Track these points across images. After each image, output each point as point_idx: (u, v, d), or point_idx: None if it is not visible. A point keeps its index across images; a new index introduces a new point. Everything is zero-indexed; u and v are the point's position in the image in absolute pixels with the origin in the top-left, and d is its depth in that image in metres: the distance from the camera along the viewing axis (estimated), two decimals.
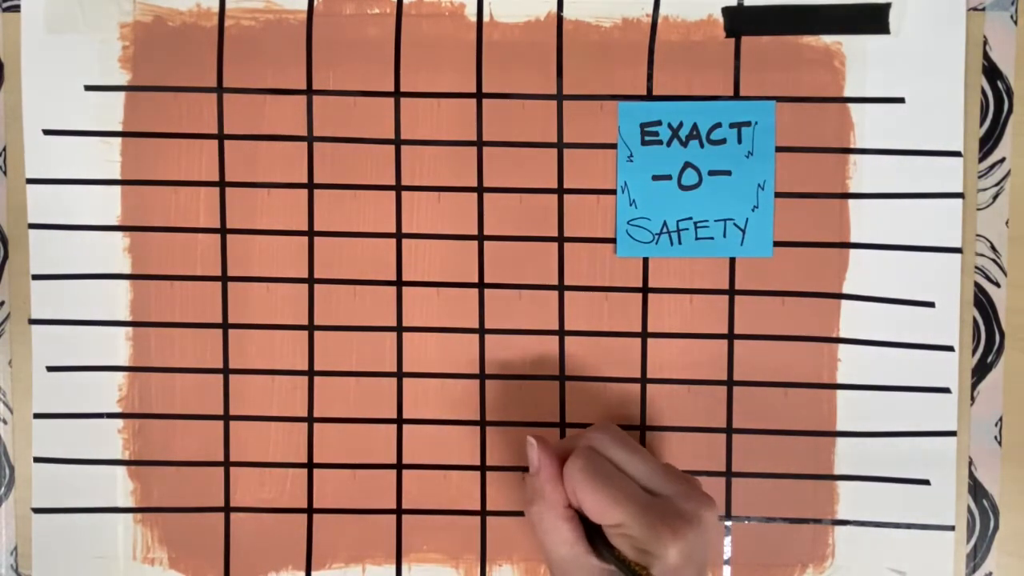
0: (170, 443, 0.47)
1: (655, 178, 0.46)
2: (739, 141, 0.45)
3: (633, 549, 0.36)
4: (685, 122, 0.45)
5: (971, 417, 0.46)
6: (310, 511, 0.47)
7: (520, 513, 0.47)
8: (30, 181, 0.46)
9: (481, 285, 0.47)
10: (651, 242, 0.46)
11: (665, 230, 0.46)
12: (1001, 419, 0.46)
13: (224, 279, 0.47)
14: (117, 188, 0.46)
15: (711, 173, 0.45)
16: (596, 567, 0.38)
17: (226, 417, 0.47)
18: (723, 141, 0.45)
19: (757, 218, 0.45)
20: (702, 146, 0.45)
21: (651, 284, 0.46)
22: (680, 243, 0.46)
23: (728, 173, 0.45)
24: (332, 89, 0.46)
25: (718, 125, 0.45)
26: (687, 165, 0.45)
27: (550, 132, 0.46)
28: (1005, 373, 0.46)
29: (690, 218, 0.46)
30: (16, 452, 0.47)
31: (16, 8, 0.46)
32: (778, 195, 0.46)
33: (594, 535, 0.38)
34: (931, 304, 0.46)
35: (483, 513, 0.47)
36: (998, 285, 0.46)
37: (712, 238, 0.46)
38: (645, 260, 0.46)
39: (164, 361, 0.47)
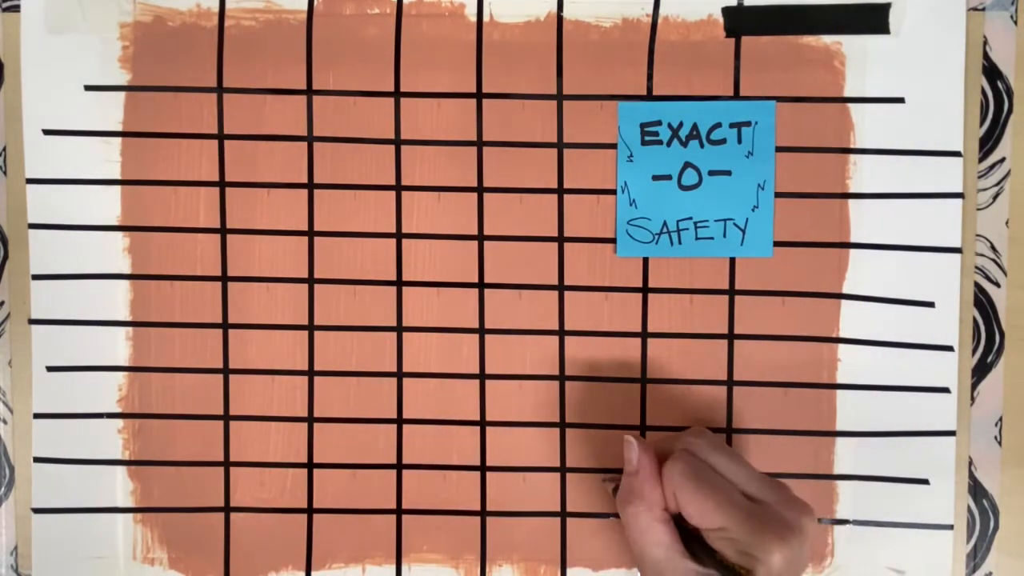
0: (170, 443, 0.47)
1: (655, 178, 0.46)
2: (739, 141, 0.45)
3: (736, 553, 0.36)
4: (685, 122, 0.45)
5: (971, 417, 0.46)
6: (310, 511, 0.47)
7: (520, 514, 0.47)
8: (30, 181, 0.46)
9: (481, 285, 0.47)
10: (651, 242, 0.46)
11: (665, 230, 0.46)
12: (1001, 419, 0.46)
13: (224, 279, 0.47)
14: (117, 188, 0.46)
15: (711, 173, 0.45)
16: (692, 570, 0.37)
17: (226, 417, 0.47)
18: (723, 141, 0.45)
19: (757, 218, 0.45)
20: (702, 146, 0.45)
21: (651, 284, 0.46)
22: (680, 243, 0.46)
23: (728, 173, 0.45)
24: (332, 89, 0.46)
25: (718, 125, 0.45)
26: (687, 165, 0.45)
27: (550, 132, 0.46)
28: (1005, 373, 0.46)
29: (690, 218, 0.46)
30: (16, 452, 0.47)
31: (16, 8, 0.46)
32: (778, 195, 0.46)
33: (688, 538, 0.38)
34: (931, 304, 0.46)
35: (483, 513, 0.47)
36: (998, 285, 0.46)
37: (712, 238, 0.46)
38: (645, 260, 0.46)
39: (164, 361, 0.47)
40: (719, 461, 0.39)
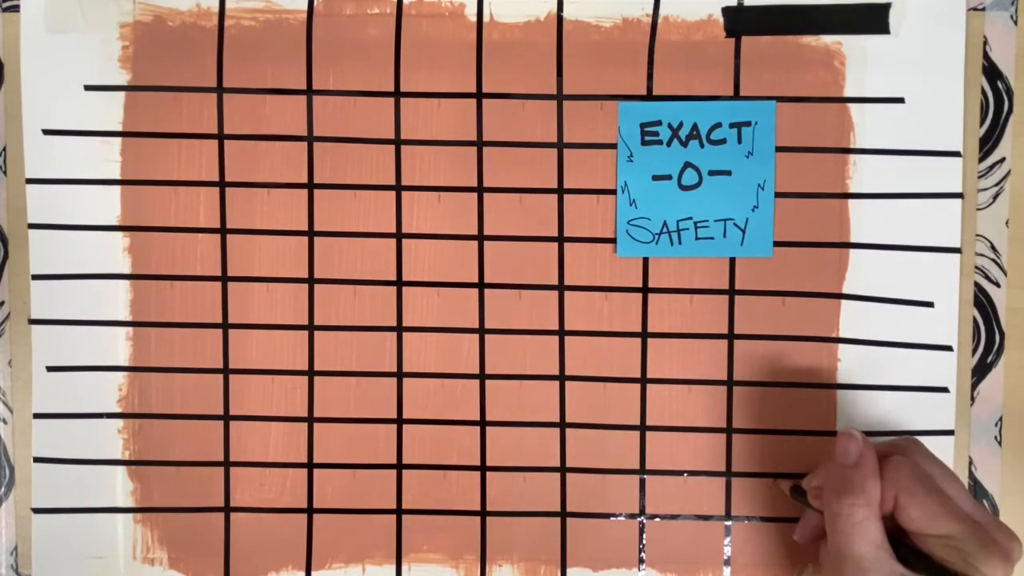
0: (170, 443, 0.47)
1: (655, 178, 0.46)
2: (739, 141, 0.45)
3: (962, 562, 0.36)
4: (685, 122, 0.45)
5: (971, 417, 0.46)
6: (310, 511, 0.47)
7: (520, 514, 0.47)
8: (30, 181, 0.46)
9: (481, 285, 0.47)
10: (651, 242, 0.46)
11: (665, 230, 0.46)
12: (1001, 419, 0.46)
13: (224, 279, 0.47)
14: (117, 188, 0.46)
15: (711, 173, 0.45)
16: (898, 573, 0.37)
17: (226, 417, 0.47)
18: (723, 141, 0.45)
19: (757, 218, 0.45)
20: (702, 146, 0.45)
21: (651, 284, 0.46)
22: (680, 243, 0.46)
23: (728, 173, 0.45)
24: (332, 89, 0.46)
25: (718, 125, 0.45)
26: (687, 165, 0.45)
27: (550, 132, 0.46)
28: (1005, 373, 0.46)
29: (690, 218, 0.46)
30: (16, 452, 0.47)
31: (16, 8, 0.46)
32: (778, 195, 0.46)
33: (895, 543, 0.38)
34: (930, 304, 0.46)
35: (483, 513, 0.47)
36: (998, 285, 0.46)
37: (712, 238, 0.46)
38: (645, 260, 0.46)
39: (164, 361, 0.47)
40: (936, 472, 0.39)
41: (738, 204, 0.46)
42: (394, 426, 0.47)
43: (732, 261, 0.46)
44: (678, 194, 0.46)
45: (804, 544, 0.44)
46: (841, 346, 0.46)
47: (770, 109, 0.45)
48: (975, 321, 0.46)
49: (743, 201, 0.45)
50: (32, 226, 0.47)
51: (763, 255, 0.46)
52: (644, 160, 0.46)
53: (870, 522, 0.37)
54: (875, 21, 0.45)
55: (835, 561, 0.38)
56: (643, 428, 0.47)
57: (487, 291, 0.47)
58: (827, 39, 0.45)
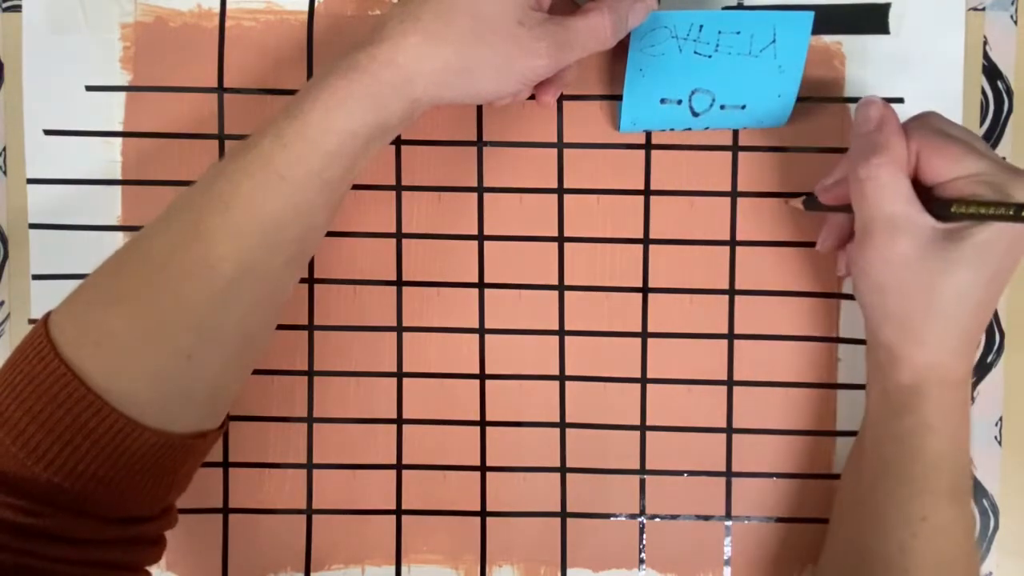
0: None
1: (662, 101, 0.44)
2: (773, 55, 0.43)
3: (994, 193, 0.35)
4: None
5: (971, 417, 0.46)
6: (309, 512, 0.47)
7: (520, 514, 0.47)
8: (31, 181, 0.46)
9: (481, 285, 0.47)
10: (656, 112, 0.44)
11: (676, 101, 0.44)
12: (1001, 419, 0.46)
13: None
14: (118, 188, 0.46)
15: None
16: (927, 226, 0.36)
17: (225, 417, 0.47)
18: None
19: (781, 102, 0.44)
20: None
21: (651, 284, 0.46)
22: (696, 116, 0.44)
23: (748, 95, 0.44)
24: None
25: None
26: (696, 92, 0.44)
27: (550, 132, 0.46)
28: (1005, 373, 0.46)
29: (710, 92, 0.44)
30: None
31: (17, 8, 0.46)
32: (778, 195, 0.46)
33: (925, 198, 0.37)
34: None
35: (483, 513, 0.47)
36: None
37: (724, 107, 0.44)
38: (645, 260, 0.46)
39: None
40: (956, 130, 0.38)
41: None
42: (394, 426, 0.47)
43: (732, 261, 0.46)
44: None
45: (826, 253, 0.44)
46: (841, 346, 0.46)
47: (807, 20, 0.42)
48: None
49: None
50: (33, 226, 0.47)
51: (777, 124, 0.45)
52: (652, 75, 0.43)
53: (898, 180, 0.36)
54: (875, 21, 0.45)
55: (865, 231, 0.37)
56: (643, 428, 0.47)
57: (487, 291, 0.47)
58: (827, 39, 0.46)
